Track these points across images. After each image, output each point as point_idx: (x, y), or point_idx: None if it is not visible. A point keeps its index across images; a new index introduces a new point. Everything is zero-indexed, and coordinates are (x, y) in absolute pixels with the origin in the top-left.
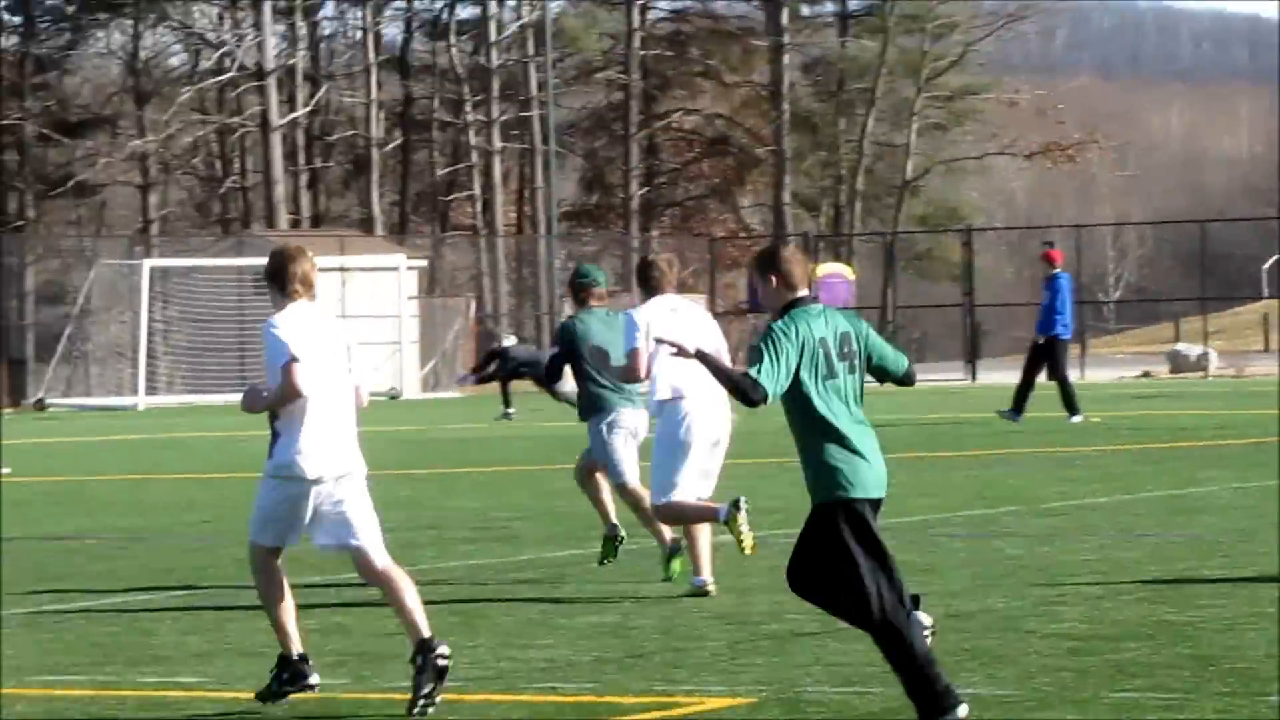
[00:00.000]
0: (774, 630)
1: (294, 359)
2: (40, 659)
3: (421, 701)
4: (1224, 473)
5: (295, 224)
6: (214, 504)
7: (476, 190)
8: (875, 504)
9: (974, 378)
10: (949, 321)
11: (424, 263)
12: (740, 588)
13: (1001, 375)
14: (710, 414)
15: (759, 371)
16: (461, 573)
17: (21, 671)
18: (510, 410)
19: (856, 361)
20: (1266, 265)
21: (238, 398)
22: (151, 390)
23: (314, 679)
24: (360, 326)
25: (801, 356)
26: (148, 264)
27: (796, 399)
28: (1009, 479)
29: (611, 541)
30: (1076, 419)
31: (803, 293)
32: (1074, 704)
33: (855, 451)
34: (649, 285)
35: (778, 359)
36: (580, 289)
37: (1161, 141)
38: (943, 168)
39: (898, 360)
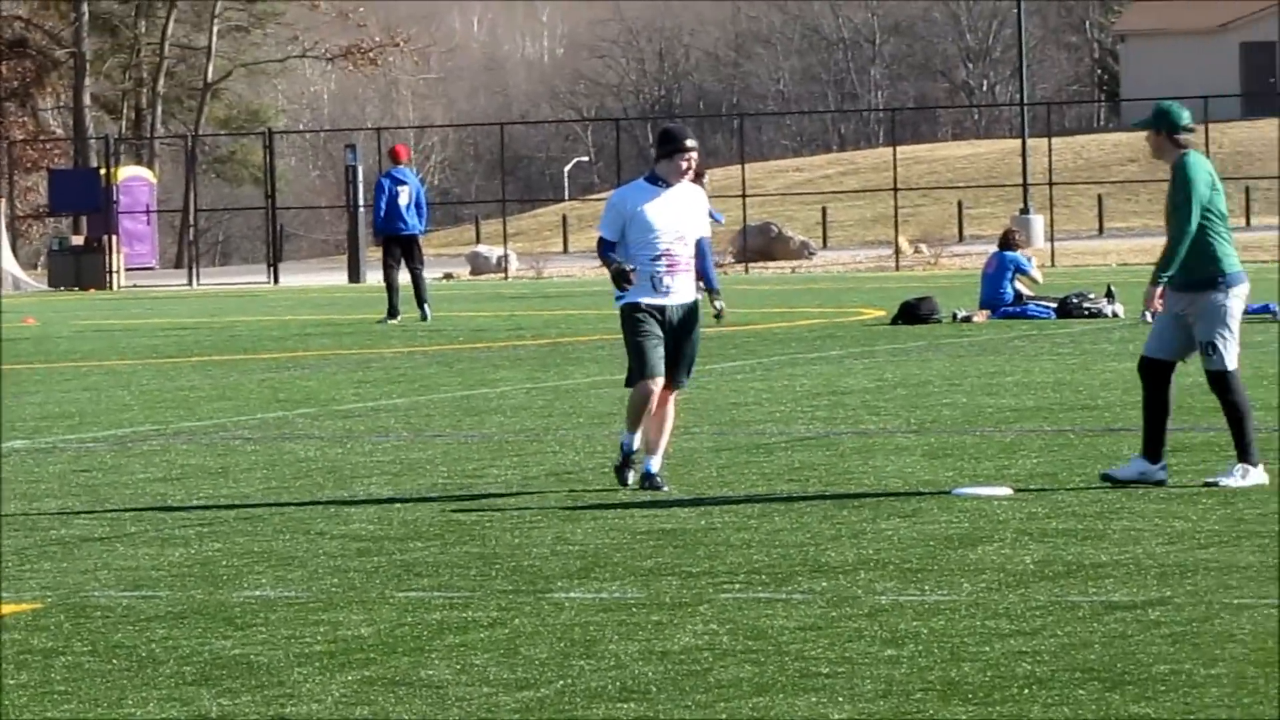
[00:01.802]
0: (62, 536)
1: None
2: None
3: None
4: (517, 373)
5: None
6: None
7: None
8: None
9: (276, 280)
10: (252, 224)
11: None
12: (29, 494)
13: (304, 278)
14: None
15: None
16: None
17: None
18: None
19: None
20: (567, 168)
21: None
22: None
23: None
24: None
25: None
26: None
27: None
28: (305, 381)
29: None
30: (392, 321)
31: None
32: (360, 604)
33: None
34: None
35: None
36: None
37: (463, 43)
38: (245, 70)
39: None
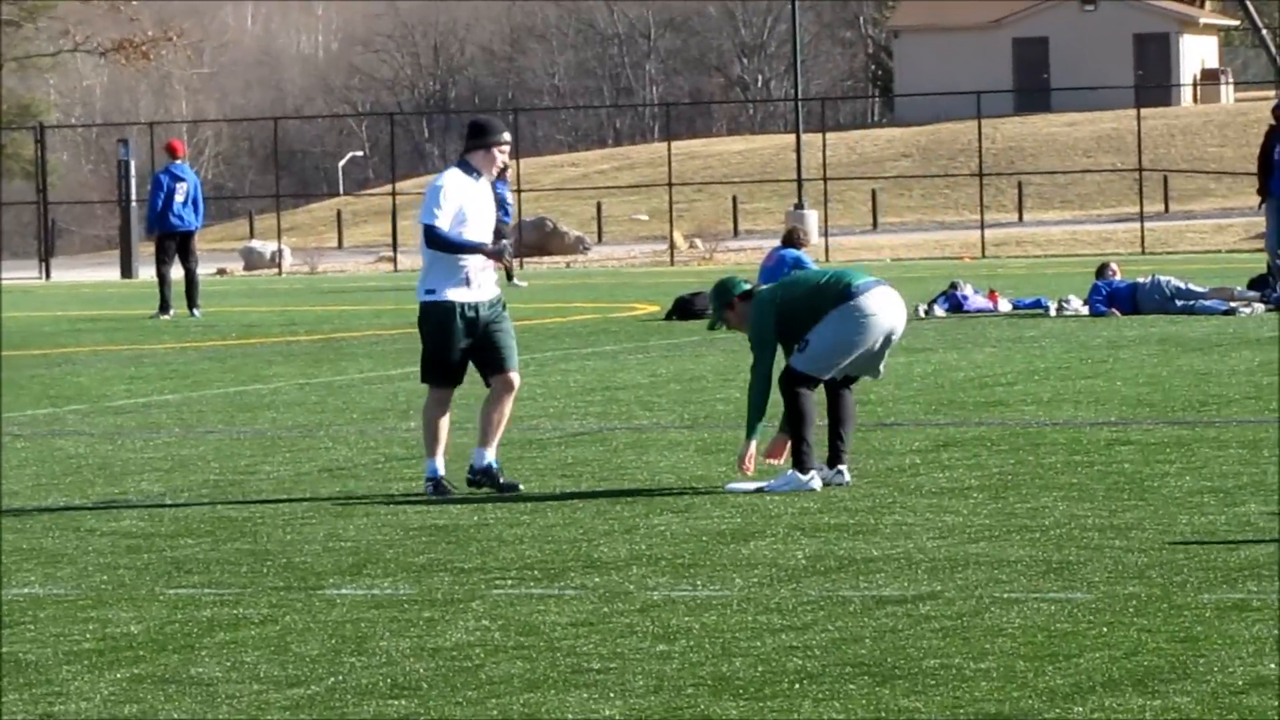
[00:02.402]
0: None
1: None
2: None
3: None
4: (290, 369)
5: None
6: None
7: None
8: None
9: (48, 276)
10: (23, 219)
11: None
12: None
13: (77, 273)
14: None
15: None
16: None
17: None
18: None
19: None
20: (341, 163)
21: None
22: None
23: None
24: None
25: None
26: None
27: None
28: (76, 377)
29: None
30: (164, 316)
31: None
32: (130, 601)
33: None
34: None
35: None
36: None
37: (237, 38)
38: (15, 64)
39: None
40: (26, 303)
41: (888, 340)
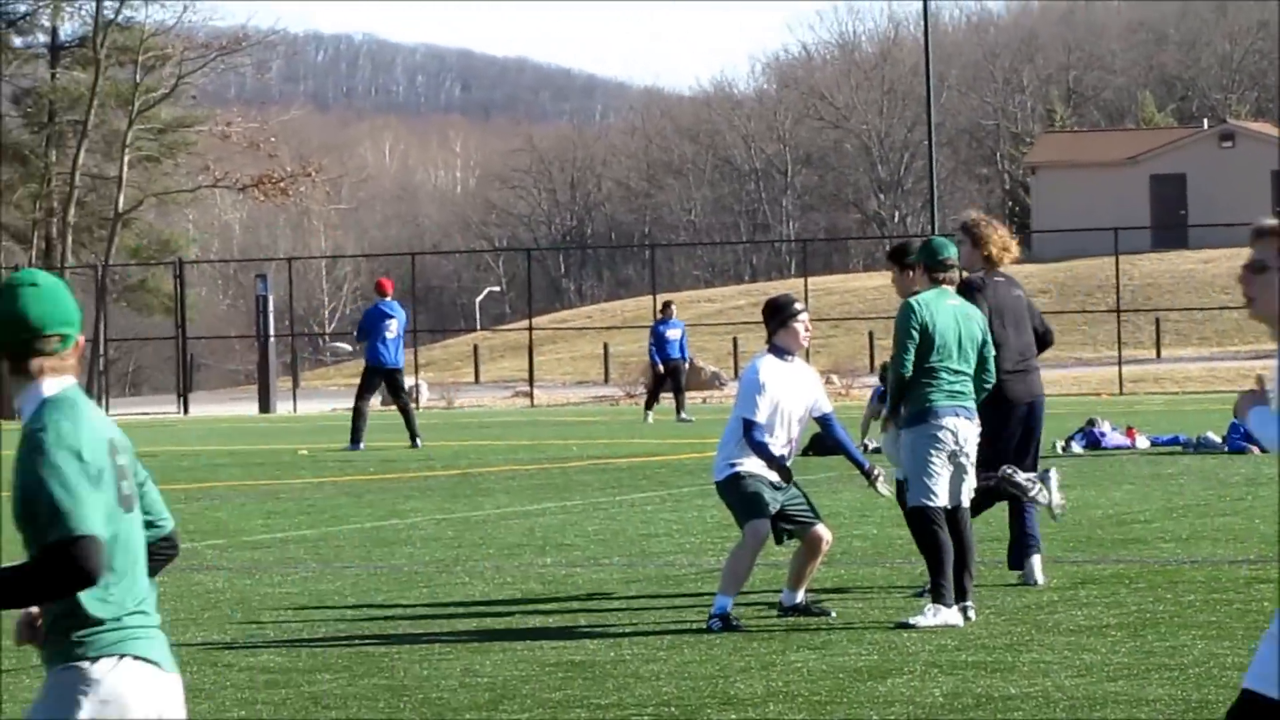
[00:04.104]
0: None
1: None
2: None
3: None
4: (427, 504)
5: None
6: None
7: None
8: None
9: (186, 410)
10: (163, 354)
11: None
12: None
13: (214, 407)
14: None
15: None
16: None
17: None
18: None
19: None
20: (479, 298)
21: None
22: None
23: None
24: None
25: None
26: None
27: None
28: (215, 512)
29: None
30: (355, 449)
31: None
32: None
33: None
34: None
35: None
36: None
37: (375, 174)
38: (155, 200)
39: None
40: (165, 437)
41: (961, 456)
